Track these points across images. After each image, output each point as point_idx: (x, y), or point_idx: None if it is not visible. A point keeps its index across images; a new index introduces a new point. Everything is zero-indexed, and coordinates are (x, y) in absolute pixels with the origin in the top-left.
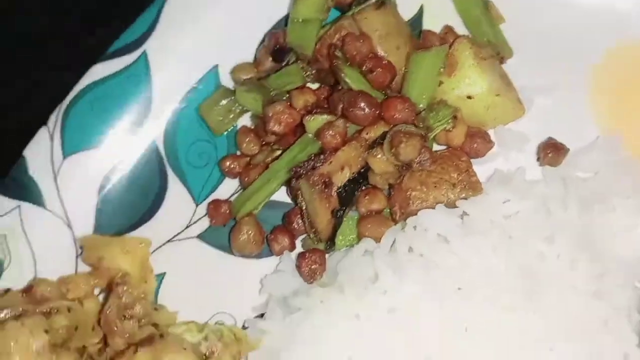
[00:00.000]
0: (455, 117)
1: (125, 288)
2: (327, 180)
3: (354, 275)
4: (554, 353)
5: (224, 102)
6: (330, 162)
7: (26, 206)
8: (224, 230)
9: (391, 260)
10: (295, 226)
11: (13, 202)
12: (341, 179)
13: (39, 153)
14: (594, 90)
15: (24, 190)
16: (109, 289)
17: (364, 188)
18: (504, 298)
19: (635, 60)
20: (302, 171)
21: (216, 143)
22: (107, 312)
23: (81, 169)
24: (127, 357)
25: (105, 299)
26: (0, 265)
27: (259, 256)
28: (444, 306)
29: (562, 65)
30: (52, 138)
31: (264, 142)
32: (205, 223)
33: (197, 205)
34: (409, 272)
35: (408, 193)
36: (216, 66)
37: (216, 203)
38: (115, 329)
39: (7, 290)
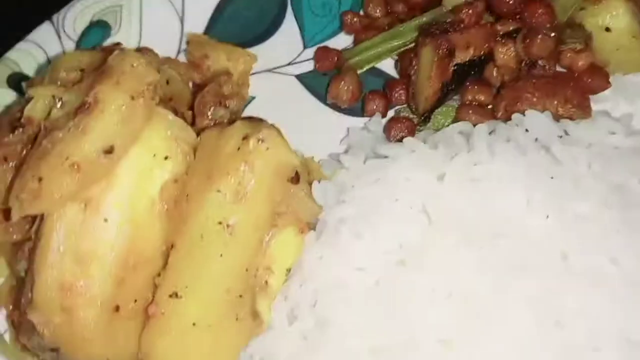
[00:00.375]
0: (587, 42)
1: (227, 79)
2: (452, 49)
3: (450, 140)
4: None
5: None
6: (462, 34)
7: None
8: (323, 79)
9: (489, 139)
10: (395, 95)
11: None
12: (463, 56)
13: None
14: None
15: None
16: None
17: (476, 78)
18: (593, 208)
19: None
20: (433, 30)
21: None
22: (205, 93)
23: None
24: None
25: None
26: (108, 30)
27: (349, 112)
28: (529, 190)
29: None
30: None
31: (390, 10)
32: (307, 67)
33: (304, 48)
34: (503, 154)
35: (519, 93)
36: None
37: (326, 49)
38: (208, 112)
39: (118, 44)
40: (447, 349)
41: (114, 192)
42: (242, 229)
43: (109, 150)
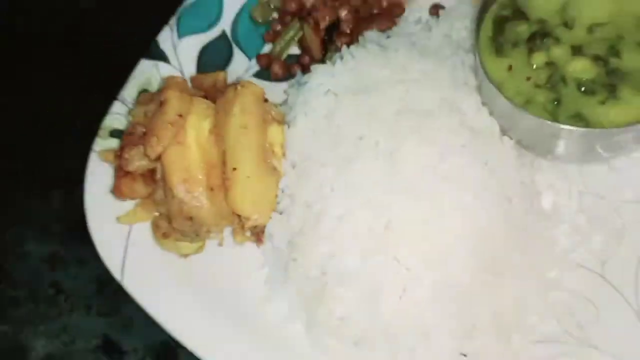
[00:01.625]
0: None
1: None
2: (317, 21)
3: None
4: None
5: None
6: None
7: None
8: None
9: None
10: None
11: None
12: (323, 23)
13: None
14: None
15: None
16: None
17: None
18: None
19: None
20: (305, 16)
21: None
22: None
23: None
24: None
25: None
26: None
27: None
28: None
29: None
30: (171, 29)
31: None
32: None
33: (249, 60)
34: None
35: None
36: None
37: (260, 55)
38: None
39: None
40: None
41: (189, 135)
42: (252, 126)
43: (180, 115)
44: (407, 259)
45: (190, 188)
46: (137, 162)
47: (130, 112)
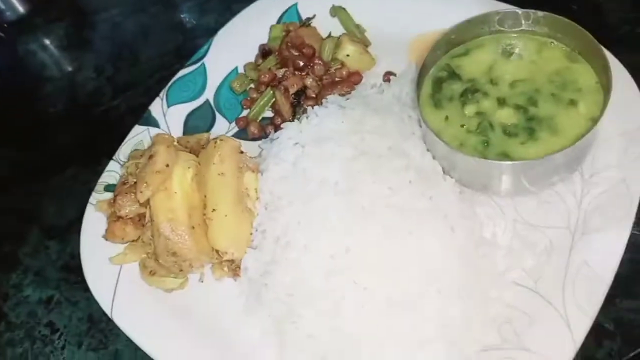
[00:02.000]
0: (342, 64)
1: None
2: (287, 88)
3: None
4: None
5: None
6: (286, 81)
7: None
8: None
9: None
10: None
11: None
12: (292, 89)
13: (156, 107)
14: None
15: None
16: None
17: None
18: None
19: None
20: (276, 84)
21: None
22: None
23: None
24: None
25: None
26: None
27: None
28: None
29: None
30: (162, 99)
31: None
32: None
33: (230, 123)
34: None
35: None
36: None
37: (239, 118)
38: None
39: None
40: None
41: (174, 181)
42: (229, 173)
43: (167, 165)
44: (364, 278)
45: (174, 226)
46: (129, 207)
47: (123, 165)
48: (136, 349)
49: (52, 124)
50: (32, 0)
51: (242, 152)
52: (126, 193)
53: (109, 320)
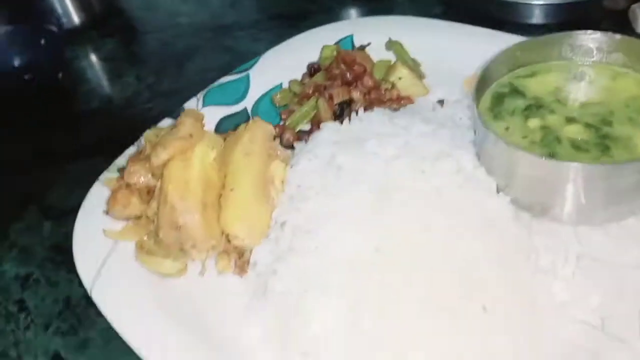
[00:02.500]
0: (393, 85)
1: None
2: (331, 97)
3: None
4: None
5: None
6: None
7: None
8: None
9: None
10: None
11: None
12: (337, 99)
13: (191, 104)
14: None
15: None
16: None
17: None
18: None
19: None
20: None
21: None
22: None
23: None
24: None
25: None
26: None
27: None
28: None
29: None
30: (198, 99)
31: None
32: None
33: None
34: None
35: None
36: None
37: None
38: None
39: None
40: None
41: (195, 154)
42: (255, 155)
43: (191, 135)
44: (393, 277)
45: (184, 196)
46: (139, 176)
47: (143, 134)
48: (109, 340)
49: (83, 118)
50: (89, 13)
51: (274, 139)
52: (140, 160)
53: (88, 305)
